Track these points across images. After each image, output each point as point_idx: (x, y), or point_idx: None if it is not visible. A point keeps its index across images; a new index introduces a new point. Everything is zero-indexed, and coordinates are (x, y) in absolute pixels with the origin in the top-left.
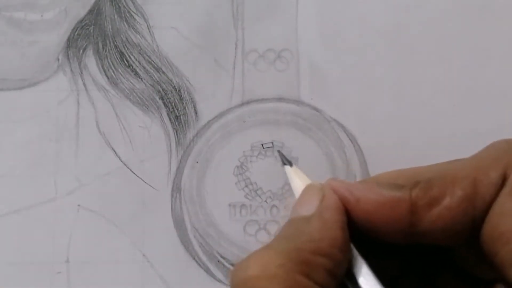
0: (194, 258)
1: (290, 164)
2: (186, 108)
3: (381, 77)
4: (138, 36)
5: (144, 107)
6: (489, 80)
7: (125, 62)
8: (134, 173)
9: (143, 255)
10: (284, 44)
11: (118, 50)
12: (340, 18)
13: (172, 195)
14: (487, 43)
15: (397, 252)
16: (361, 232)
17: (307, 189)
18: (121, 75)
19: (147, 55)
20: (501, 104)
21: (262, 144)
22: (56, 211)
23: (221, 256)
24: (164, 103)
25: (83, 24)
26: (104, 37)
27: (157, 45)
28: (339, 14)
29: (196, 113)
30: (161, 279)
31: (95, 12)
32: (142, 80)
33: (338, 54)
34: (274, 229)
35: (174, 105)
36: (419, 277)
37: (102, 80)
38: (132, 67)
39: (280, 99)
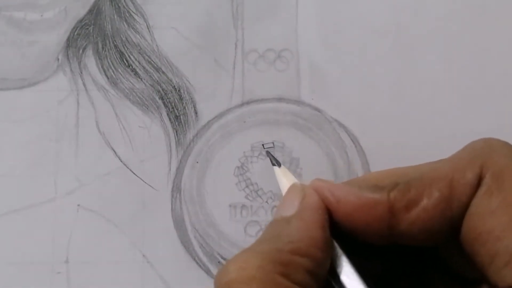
0: (194, 259)
1: (279, 164)
2: (186, 108)
3: (382, 77)
4: (138, 36)
5: (144, 107)
6: (490, 80)
7: (125, 62)
8: (134, 173)
9: (143, 255)
10: (284, 44)
11: (117, 50)
12: (340, 18)
13: (172, 195)
14: (487, 43)
15: (383, 251)
16: (345, 232)
17: (290, 190)
18: (121, 75)
19: (147, 55)
20: (501, 104)
21: (262, 145)
22: (56, 211)
23: (222, 257)
24: (164, 103)
25: (83, 24)
26: (103, 37)
27: (157, 45)
28: (339, 14)
29: (196, 113)
30: (161, 280)
31: (94, 12)
32: (142, 80)
33: (339, 54)
34: None
35: (174, 105)
36: (406, 277)
37: (102, 80)
38: (132, 67)
39: (280, 99)
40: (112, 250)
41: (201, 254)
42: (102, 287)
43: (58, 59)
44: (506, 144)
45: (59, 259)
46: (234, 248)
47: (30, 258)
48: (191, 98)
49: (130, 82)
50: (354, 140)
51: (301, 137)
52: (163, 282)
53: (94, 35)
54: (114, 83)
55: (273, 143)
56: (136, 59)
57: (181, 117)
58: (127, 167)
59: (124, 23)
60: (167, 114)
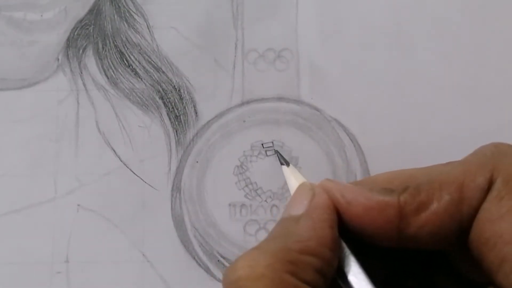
0: (194, 258)
1: (287, 164)
2: (186, 108)
3: (381, 77)
4: (138, 36)
5: (144, 107)
6: (490, 80)
7: (125, 62)
8: (134, 173)
9: (143, 255)
10: (284, 43)
11: (118, 50)
12: (340, 17)
13: (172, 195)
14: (487, 43)
15: (390, 253)
16: (353, 233)
17: (299, 189)
18: (121, 75)
19: (147, 55)
20: (502, 103)
21: (262, 144)
22: (56, 211)
23: (221, 256)
24: (164, 103)
25: (83, 24)
26: (104, 37)
27: (157, 45)
28: (339, 13)
29: (196, 112)
30: (161, 279)
31: (95, 12)
32: (142, 80)
33: (338, 54)
34: None
35: (174, 105)
36: (413, 279)
37: (102, 80)
38: (132, 67)
39: (280, 99)
40: (112, 250)
41: (200, 253)
42: (102, 287)
43: (58, 59)
44: None
45: (59, 258)
46: (233, 247)
47: (30, 258)
48: (191, 98)
49: (130, 82)
50: (353, 139)
51: (301, 136)
52: (163, 282)
53: (94, 35)
54: (114, 83)
55: (272, 142)
56: (136, 59)
57: (181, 116)
58: (127, 167)
59: (124, 23)
60: (167, 114)
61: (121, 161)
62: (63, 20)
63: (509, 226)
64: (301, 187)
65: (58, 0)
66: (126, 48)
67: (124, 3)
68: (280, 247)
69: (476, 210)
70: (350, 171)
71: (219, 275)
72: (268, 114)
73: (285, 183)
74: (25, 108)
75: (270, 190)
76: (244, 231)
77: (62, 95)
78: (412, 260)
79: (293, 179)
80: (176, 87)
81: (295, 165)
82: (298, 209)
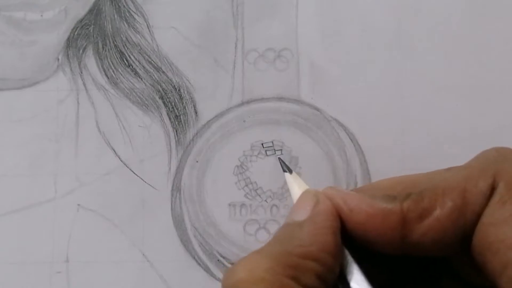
0: (194, 258)
1: (290, 171)
2: (186, 107)
3: (381, 76)
4: (138, 36)
5: (144, 106)
6: (491, 80)
7: (125, 61)
8: (134, 173)
9: (143, 254)
10: (284, 43)
11: (118, 50)
12: (340, 17)
13: (172, 195)
14: (487, 42)
15: (393, 259)
16: (356, 241)
17: (303, 195)
18: (121, 74)
19: (147, 55)
20: (502, 103)
21: (262, 144)
22: (56, 211)
23: (221, 256)
24: (164, 103)
25: (83, 23)
26: (104, 37)
27: (157, 45)
28: (339, 13)
29: (196, 112)
30: (161, 279)
31: (95, 12)
32: (142, 79)
33: (338, 54)
34: (274, 228)
35: (174, 104)
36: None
37: (102, 79)
38: (132, 66)
39: (280, 99)
40: (112, 250)
41: (200, 253)
42: (102, 286)
43: (58, 59)
44: None
45: (59, 258)
46: (233, 247)
47: (30, 257)
48: (191, 98)
49: (130, 81)
50: (353, 139)
51: (301, 136)
52: (162, 281)
53: (94, 35)
54: (114, 82)
55: (272, 142)
56: (136, 59)
57: (181, 116)
58: (127, 167)
59: (124, 23)
60: (167, 114)
61: (121, 161)
62: (63, 20)
63: (511, 230)
64: (305, 193)
65: (58, 0)
66: (126, 48)
67: (124, 3)
68: (281, 251)
69: (479, 215)
70: (350, 171)
71: (219, 274)
72: (268, 114)
73: (285, 183)
74: (25, 108)
75: (270, 190)
76: (244, 231)
77: (62, 95)
78: (415, 266)
79: (296, 186)
80: (176, 87)
81: (295, 165)
82: (301, 215)
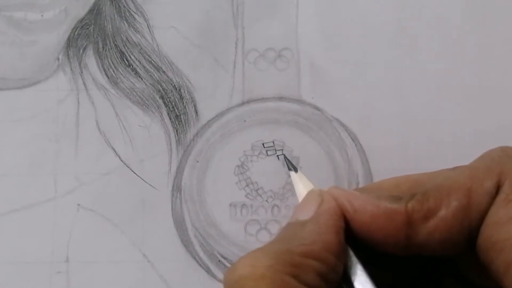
0: (194, 258)
1: (295, 169)
2: (187, 107)
3: (382, 76)
4: (138, 36)
5: (144, 106)
6: (492, 79)
7: (125, 61)
8: (134, 173)
9: (143, 254)
10: (285, 43)
11: (118, 50)
12: (341, 16)
13: (172, 195)
14: (488, 42)
15: (397, 260)
16: (361, 241)
17: (308, 195)
18: (121, 74)
19: (147, 55)
20: (504, 103)
21: (263, 144)
22: (56, 211)
23: (222, 256)
24: (164, 103)
25: (83, 23)
26: (104, 37)
27: (157, 45)
28: (339, 12)
29: (196, 112)
30: (161, 279)
31: (95, 12)
32: (142, 79)
33: (339, 53)
34: (275, 228)
35: (174, 104)
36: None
37: (102, 79)
38: (132, 66)
39: (280, 98)
40: (112, 250)
41: (201, 253)
42: (102, 286)
43: (58, 59)
44: None
45: (59, 258)
46: (234, 247)
47: (30, 257)
48: (192, 98)
49: (131, 81)
50: (354, 139)
51: (302, 136)
52: (163, 281)
53: (95, 35)
54: (114, 82)
55: (273, 142)
56: (136, 59)
57: (182, 116)
58: (127, 167)
59: (125, 22)
60: (168, 114)
61: (121, 160)
62: (64, 20)
63: None
64: (310, 193)
65: (58, 0)
66: (126, 48)
67: (124, 3)
68: (283, 249)
69: (484, 215)
70: (352, 171)
71: (220, 275)
72: (269, 114)
73: (286, 183)
74: (25, 108)
75: (271, 190)
76: (245, 231)
77: (62, 94)
78: (419, 266)
79: (301, 185)
80: (176, 86)
81: (296, 165)
82: (306, 214)
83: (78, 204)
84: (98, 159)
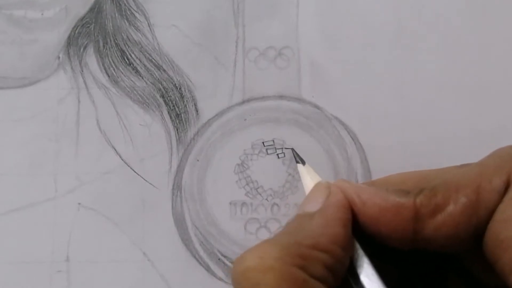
0: (194, 257)
1: (303, 162)
2: (187, 106)
3: (382, 75)
4: (139, 34)
5: (144, 105)
6: (492, 79)
7: (126, 60)
8: (135, 172)
9: (144, 253)
10: (285, 41)
11: (118, 48)
12: (341, 15)
13: (172, 194)
14: (488, 42)
15: (404, 254)
16: (368, 234)
17: (315, 187)
18: (122, 73)
19: (147, 53)
20: (504, 103)
21: (263, 142)
22: (56, 210)
23: (222, 255)
24: (164, 101)
25: (84, 22)
26: (104, 35)
27: (157, 43)
28: (340, 11)
29: (197, 111)
30: (161, 278)
31: (95, 10)
32: (142, 78)
33: (340, 51)
34: (274, 227)
35: (175, 103)
36: (426, 281)
37: (102, 78)
38: (133, 65)
39: (281, 97)
40: (112, 249)
41: (201, 252)
42: (102, 286)
43: (59, 58)
44: None
45: (59, 257)
46: (234, 246)
47: (30, 257)
48: (192, 96)
49: (131, 80)
50: (354, 137)
51: (302, 135)
52: (163, 280)
53: (95, 34)
54: (115, 81)
55: (273, 140)
56: (137, 57)
57: (182, 115)
58: (128, 165)
59: (125, 21)
60: (168, 112)
61: (122, 159)
62: (64, 18)
63: None
64: (317, 185)
65: None
66: (127, 46)
67: (125, 1)
68: (291, 241)
69: (492, 212)
70: (351, 170)
71: (220, 273)
72: (269, 113)
73: (286, 182)
74: (26, 107)
75: (271, 188)
76: (245, 230)
77: (63, 93)
78: (425, 262)
79: (308, 178)
80: (177, 85)
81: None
82: (313, 206)
83: (79, 203)
84: (99, 158)
